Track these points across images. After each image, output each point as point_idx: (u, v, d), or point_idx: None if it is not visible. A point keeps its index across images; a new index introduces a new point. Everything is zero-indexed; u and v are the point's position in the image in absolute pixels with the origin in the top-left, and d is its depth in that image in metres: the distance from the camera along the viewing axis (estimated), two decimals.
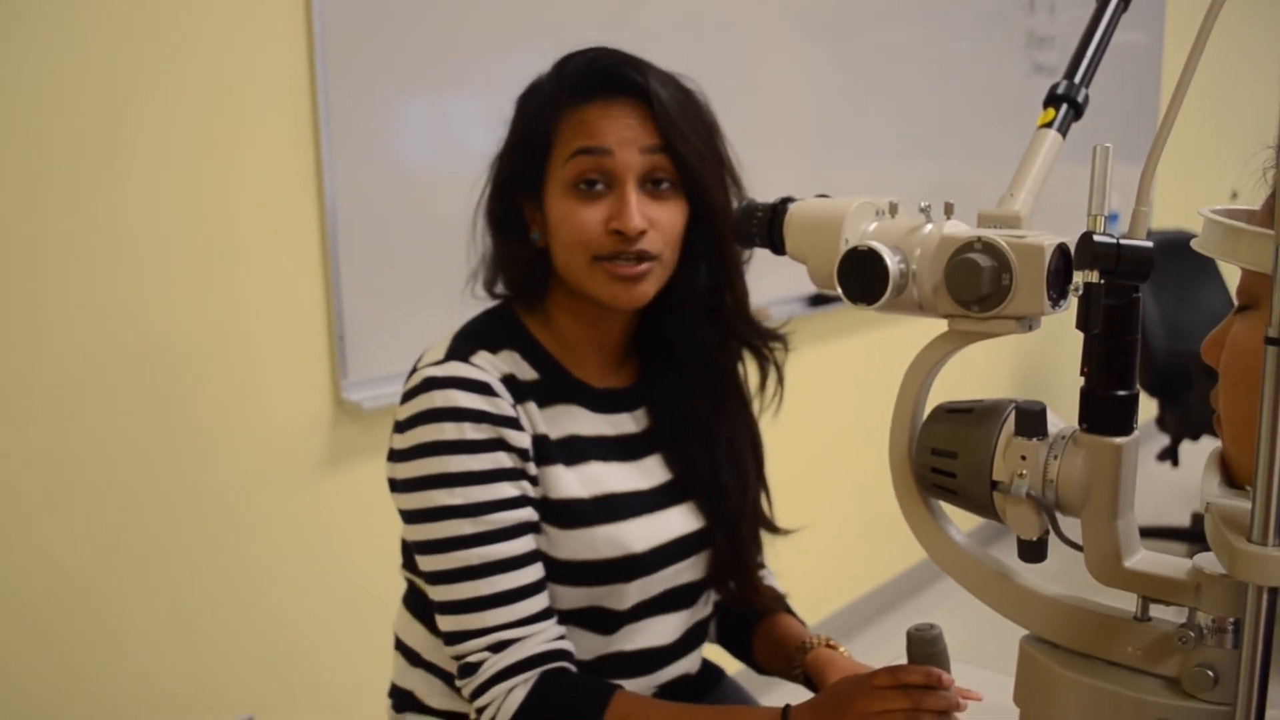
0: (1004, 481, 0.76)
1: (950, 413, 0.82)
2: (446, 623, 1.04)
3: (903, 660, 0.96)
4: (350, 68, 1.70)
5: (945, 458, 0.80)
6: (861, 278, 0.79)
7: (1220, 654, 0.71)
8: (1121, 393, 0.73)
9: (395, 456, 1.07)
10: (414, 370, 1.09)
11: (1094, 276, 0.63)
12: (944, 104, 3.03)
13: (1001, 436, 0.77)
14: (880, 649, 2.94)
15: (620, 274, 1.06)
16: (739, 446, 1.17)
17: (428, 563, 1.04)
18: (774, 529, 1.21)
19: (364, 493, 1.80)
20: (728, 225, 1.10)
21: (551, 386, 1.10)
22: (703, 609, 1.19)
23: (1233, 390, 0.65)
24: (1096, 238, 0.61)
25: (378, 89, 1.75)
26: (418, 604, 1.16)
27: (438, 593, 1.04)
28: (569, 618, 1.09)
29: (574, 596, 1.09)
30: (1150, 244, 0.61)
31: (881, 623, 3.16)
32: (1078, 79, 0.97)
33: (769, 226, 0.88)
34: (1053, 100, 0.96)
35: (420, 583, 1.12)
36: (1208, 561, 0.72)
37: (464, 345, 1.08)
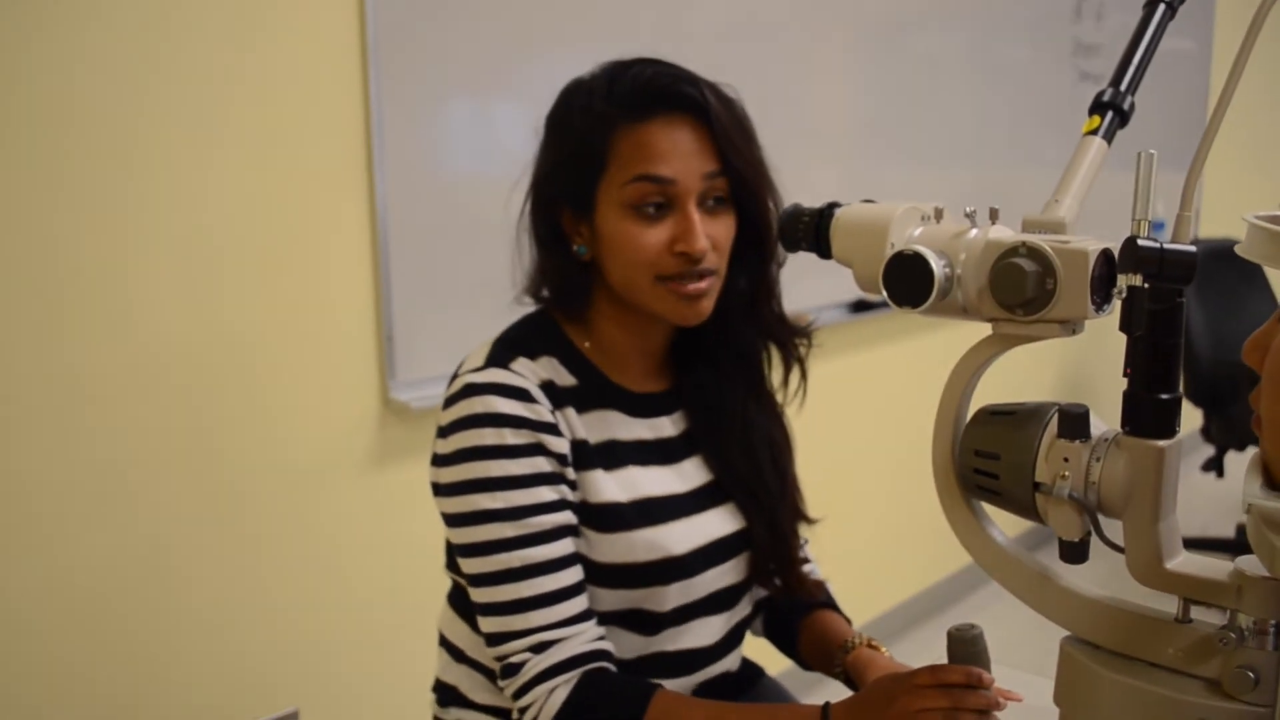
0: (1046, 483, 0.78)
1: (994, 415, 0.83)
2: (489, 624, 1.06)
3: (944, 661, 0.97)
4: (400, 71, 1.73)
5: (988, 459, 0.82)
6: (907, 281, 0.81)
7: (1261, 655, 0.72)
8: (1164, 396, 0.74)
9: (438, 461, 1.09)
10: (455, 376, 1.11)
11: (1138, 280, 0.65)
12: (988, 111, 3.03)
13: (1044, 438, 0.79)
14: (918, 655, 2.93)
15: (686, 293, 1.07)
16: (777, 443, 1.19)
17: (470, 565, 1.06)
18: (809, 519, 1.23)
19: (411, 491, 1.84)
20: (771, 232, 1.11)
21: (590, 392, 1.12)
22: (744, 609, 1.21)
23: (1276, 392, 0.66)
24: (1140, 242, 0.62)
25: (425, 93, 1.78)
26: (461, 603, 1.18)
27: (480, 594, 1.06)
28: (609, 619, 1.11)
29: (614, 599, 1.11)
30: (1194, 248, 0.62)
31: (921, 629, 3.15)
32: (1124, 87, 0.97)
33: (815, 231, 0.90)
34: (1098, 108, 0.97)
35: (463, 583, 1.15)
36: (1249, 564, 0.73)
37: (503, 352, 1.10)
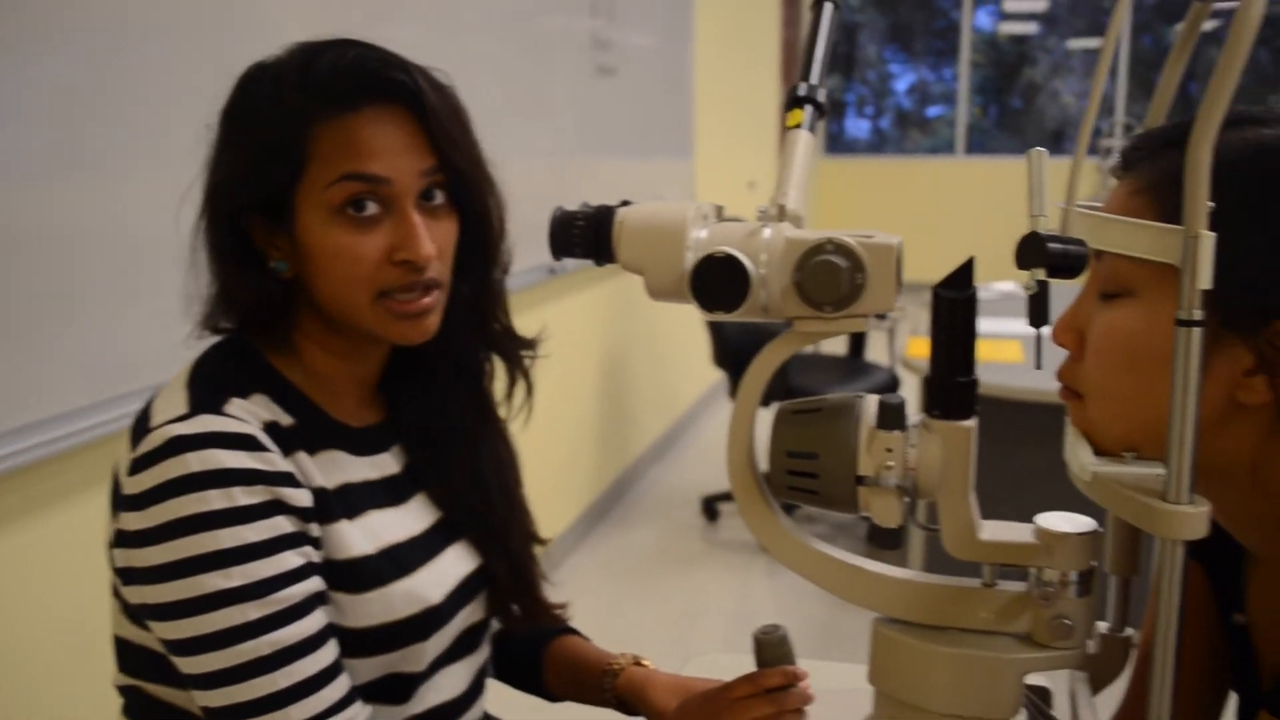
0: (870, 475, 0.79)
1: (799, 414, 0.82)
2: None
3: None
4: None
5: (805, 459, 0.81)
6: (719, 286, 0.77)
7: (1072, 604, 0.79)
8: (964, 379, 0.78)
9: (135, 540, 0.87)
10: (144, 429, 0.89)
11: (1042, 274, 0.67)
12: (484, 102, 3.00)
13: (862, 432, 0.79)
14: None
15: (408, 312, 0.94)
16: (504, 465, 1.10)
17: (202, 663, 0.86)
18: (540, 540, 1.15)
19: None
20: (494, 235, 1.02)
21: (312, 431, 0.96)
22: (485, 650, 1.11)
23: (1112, 370, 0.73)
24: (1048, 240, 0.64)
25: None
26: (154, 716, 0.96)
27: (219, 696, 0.86)
28: (362, 693, 0.95)
29: (370, 668, 0.96)
30: (1084, 241, 0.65)
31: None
32: (814, 79, 1.01)
33: (594, 236, 0.83)
34: (796, 102, 1.00)
35: (156, 688, 0.93)
36: (1049, 523, 0.80)
37: (209, 393, 0.90)
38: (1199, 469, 0.65)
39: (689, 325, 4.44)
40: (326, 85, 0.91)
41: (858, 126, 10.07)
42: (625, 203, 0.86)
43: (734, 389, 4.22)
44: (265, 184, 0.92)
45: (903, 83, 10.01)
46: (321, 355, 0.99)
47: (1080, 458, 0.73)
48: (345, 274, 0.92)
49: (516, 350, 1.07)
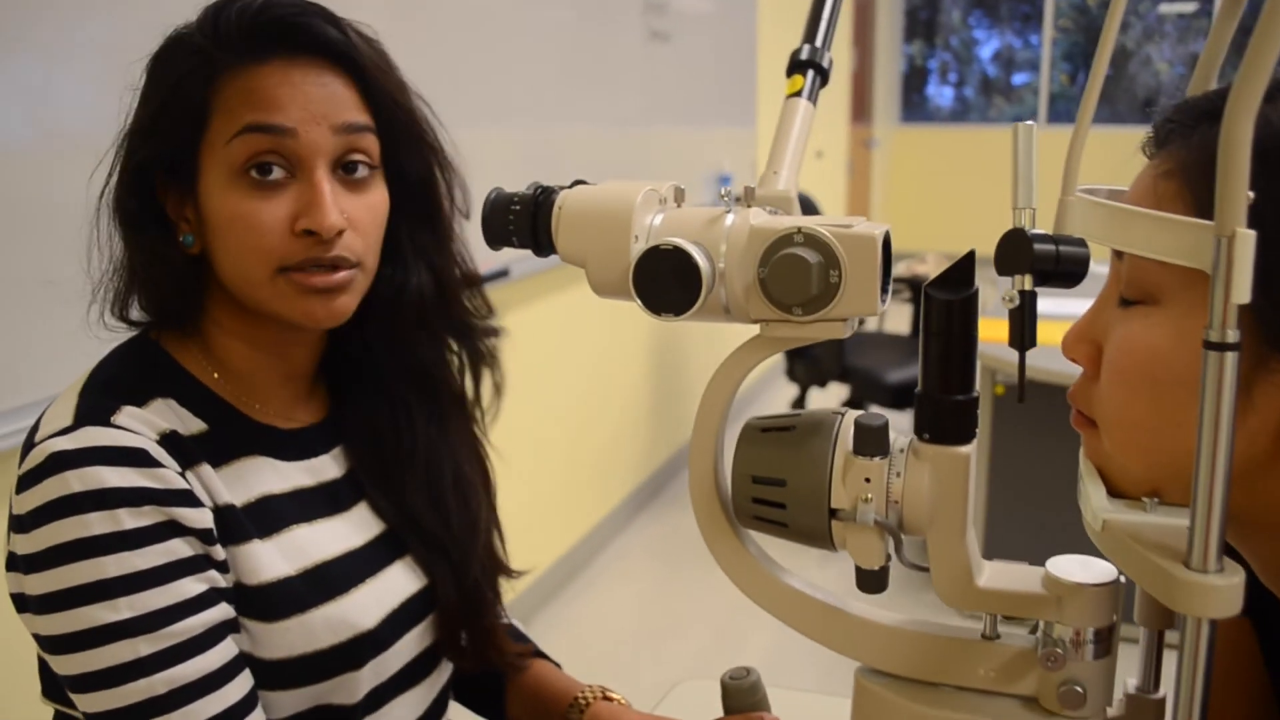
0: (845, 508, 0.67)
1: (766, 432, 0.70)
2: None
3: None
4: None
5: (771, 486, 0.69)
6: (666, 283, 0.65)
7: (1084, 667, 0.66)
8: (963, 397, 0.65)
9: (21, 565, 0.79)
10: (30, 444, 0.80)
11: (1027, 283, 0.54)
12: (543, 69, 2.88)
13: (837, 457, 0.67)
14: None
15: (313, 286, 0.83)
16: (467, 478, 0.99)
17: (93, 701, 0.77)
18: (509, 572, 1.04)
19: None
20: (442, 209, 0.91)
21: (225, 438, 0.86)
22: (444, 673, 1.00)
23: (1129, 395, 0.59)
24: (1035, 239, 0.51)
25: None
26: None
27: None
28: None
29: (293, 701, 0.86)
30: (1085, 241, 0.52)
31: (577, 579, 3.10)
32: (819, 42, 0.89)
33: (531, 223, 0.71)
34: (797, 67, 0.88)
35: (78, 717, 0.86)
36: (1061, 570, 0.67)
37: (98, 402, 0.81)
38: (1238, 520, 0.52)
39: None
40: (236, 31, 0.81)
41: (941, 94, 9.74)
42: (579, 182, 0.75)
43: (791, 366, 4.13)
44: (166, 137, 0.82)
45: (987, 49, 9.63)
46: (238, 347, 0.89)
47: (1091, 500, 0.60)
48: (242, 242, 0.82)
49: (479, 338, 0.97)
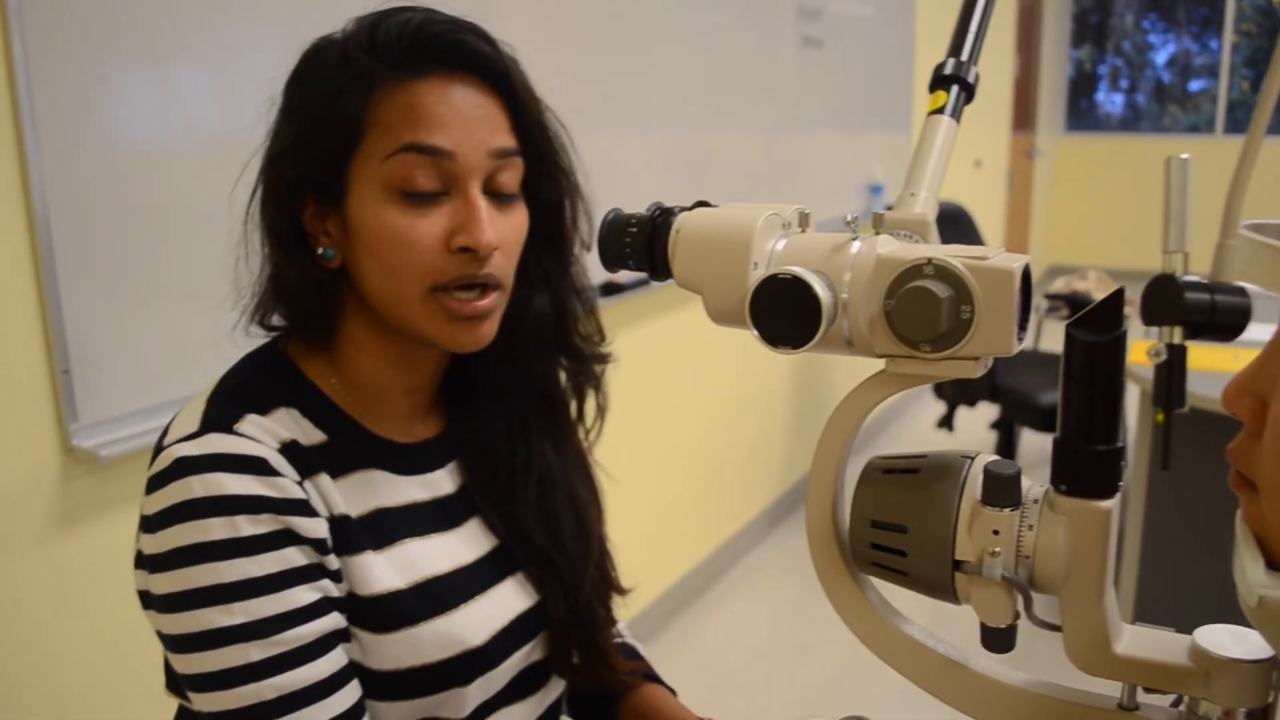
0: (971, 561, 0.62)
1: (889, 473, 0.66)
2: None
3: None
4: (52, 32, 1.37)
5: (892, 532, 0.65)
6: (784, 314, 0.62)
7: None
8: (1106, 447, 0.60)
9: (148, 564, 0.81)
10: (160, 447, 0.82)
11: (1177, 337, 0.49)
12: (688, 74, 2.86)
13: (964, 505, 0.63)
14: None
15: (463, 313, 0.83)
16: (580, 496, 0.98)
17: (207, 701, 0.79)
18: (620, 590, 1.02)
19: (102, 557, 1.50)
20: (569, 234, 0.90)
21: (345, 450, 0.87)
22: (554, 688, 1.00)
23: None
24: (1186, 287, 0.46)
25: (85, 56, 1.42)
26: None
27: None
28: None
29: (401, 713, 0.87)
30: (1245, 289, 0.47)
31: (692, 605, 3.08)
32: (965, 57, 0.85)
33: (649, 246, 0.69)
34: (941, 82, 0.84)
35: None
36: (1211, 642, 0.61)
37: (225, 409, 0.83)
38: None
39: None
40: (393, 47, 0.81)
41: (1110, 101, 9.30)
42: (702, 203, 0.72)
43: (939, 383, 3.98)
44: (319, 156, 0.83)
45: (1162, 54, 9.15)
46: (366, 360, 0.89)
47: (1248, 572, 0.54)
48: (396, 259, 0.82)
49: (592, 364, 0.95)
